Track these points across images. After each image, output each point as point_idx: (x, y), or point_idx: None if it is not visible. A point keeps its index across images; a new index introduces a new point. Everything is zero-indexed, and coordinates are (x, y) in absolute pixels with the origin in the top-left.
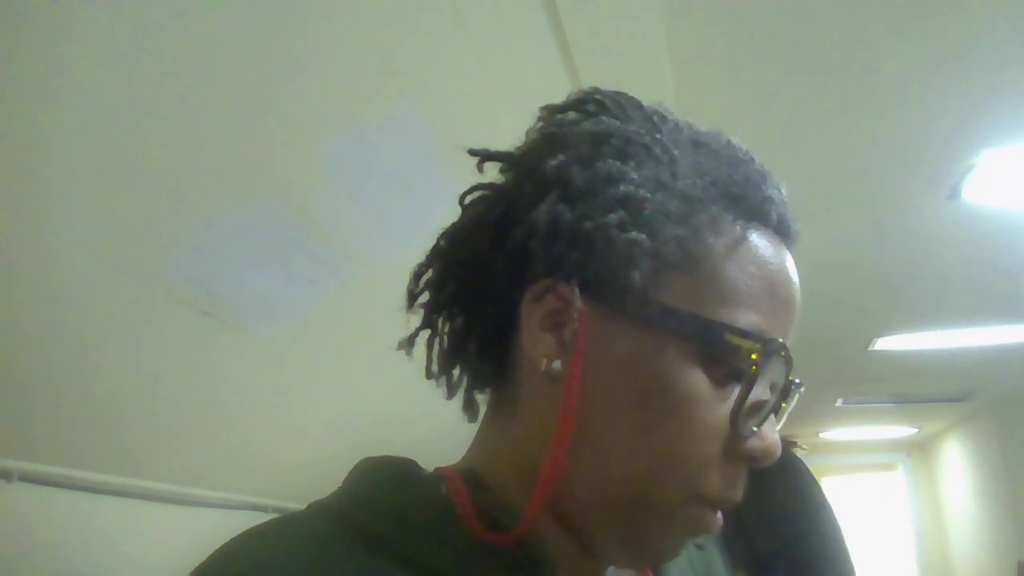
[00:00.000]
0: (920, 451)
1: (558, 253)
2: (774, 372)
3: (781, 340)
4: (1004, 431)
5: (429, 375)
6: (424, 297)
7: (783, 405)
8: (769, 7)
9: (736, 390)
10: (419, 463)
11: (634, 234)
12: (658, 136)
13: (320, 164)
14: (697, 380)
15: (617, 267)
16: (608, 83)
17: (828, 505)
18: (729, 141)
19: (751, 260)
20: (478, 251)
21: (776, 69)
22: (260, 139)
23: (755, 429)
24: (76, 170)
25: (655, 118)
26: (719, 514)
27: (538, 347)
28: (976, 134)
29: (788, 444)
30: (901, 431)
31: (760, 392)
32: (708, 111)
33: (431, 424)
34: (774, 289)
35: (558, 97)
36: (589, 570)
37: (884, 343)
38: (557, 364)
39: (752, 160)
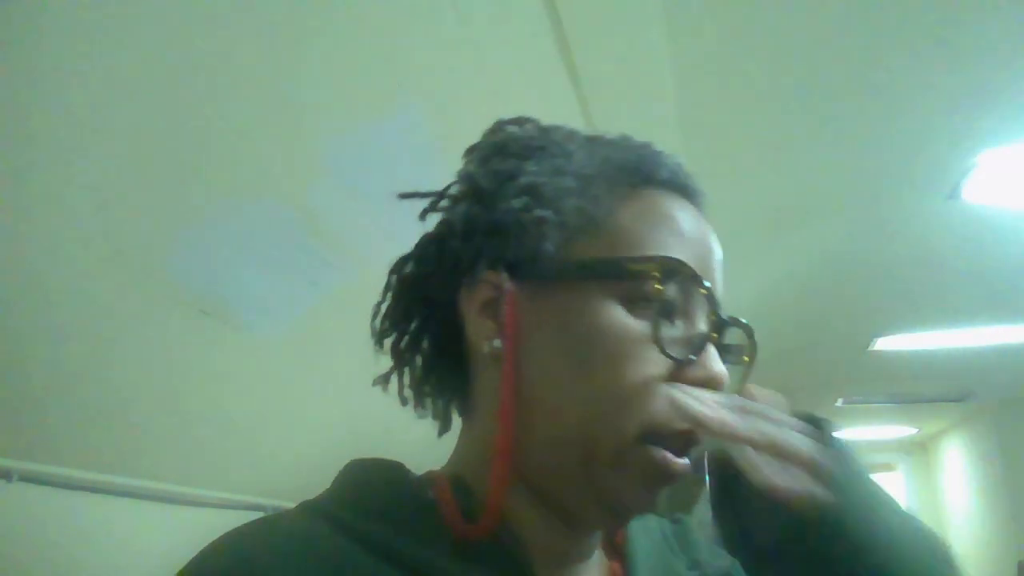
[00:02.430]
0: (920, 451)
1: (478, 244)
2: (694, 300)
3: (682, 260)
4: (1004, 431)
5: (404, 402)
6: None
7: (716, 338)
8: (769, 9)
9: (664, 323)
10: (418, 463)
11: (538, 212)
12: (552, 138)
13: (320, 164)
14: (620, 317)
15: (531, 244)
16: (608, 85)
17: None
18: (625, 135)
19: (648, 211)
20: (425, 275)
21: (776, 70)
22: (260, 139)
23: (692, 358)
24: (76, 170)
25: (550, 127)
26: (682, 459)
27: (479, 332)
28: (976, 134)
29: None
30: (901, 431)
31: (696, 325)
32: (708, 111)
33: (431, 424)
34: (676, 228)
35: (557, 97)
36: (571, 555)
37: (884, 343)
38: (497, 343)
39: (648, 144)
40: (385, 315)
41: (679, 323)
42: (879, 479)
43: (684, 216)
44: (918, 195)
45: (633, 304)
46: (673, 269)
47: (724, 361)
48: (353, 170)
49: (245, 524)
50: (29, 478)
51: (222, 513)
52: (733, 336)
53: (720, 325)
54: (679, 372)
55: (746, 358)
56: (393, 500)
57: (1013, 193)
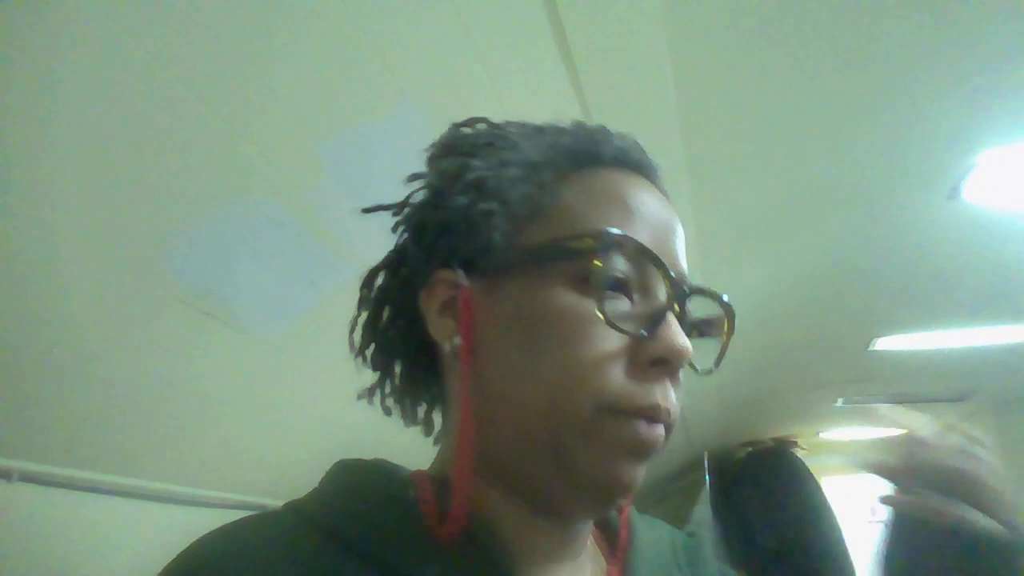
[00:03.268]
0: None
1: (431, 245)
2: (649, 274)
3: (621, 232)
4: (1004, 431)
5: (388, 412)
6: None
7: (677, 310)
8: (769, 7)
9: (619, 300)
10: (416, 463)
11: (483, 205)
12: (500, 132)
13: (320, 164)
14: (568, 299)
15: (481, 238)
16: (608, 83)
17: (829, 505)
18: (579, 122)
19: (594, 189)
20: (391, 283)
21: (775, 69)
22: (260, 139)
23: (644, 333)
24: (77, 170)
25: (502, 123)
26: (655, 427)
27: (440, 332)
28: (976, 134)
29: (788, 444)
30: (901, 431)
31: (657, 299)
32: (708, 111)
33: None
34: (624, 203)
35: (557, 97)
36: (554, 553)
37: (884, 343)
38: (458, 341)
39: (601, 127)
40: (363, 327)
41: (637, 298)
42: (879, 479)
43: (634, 192)
44: (918, 195)
45: (584, 284)
46: (613, 242)
47: (704, 335)
48: (353, 170)
49: (228, 523)
50: (29, 478)
51: (221, 513)
52: (709, 309)
53: (679, 296)
54: (638, 347)
55: (724, 328)
56: (373, 501)
57: (1013, 193)
